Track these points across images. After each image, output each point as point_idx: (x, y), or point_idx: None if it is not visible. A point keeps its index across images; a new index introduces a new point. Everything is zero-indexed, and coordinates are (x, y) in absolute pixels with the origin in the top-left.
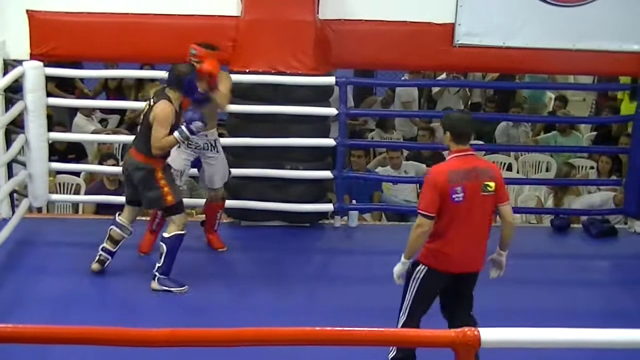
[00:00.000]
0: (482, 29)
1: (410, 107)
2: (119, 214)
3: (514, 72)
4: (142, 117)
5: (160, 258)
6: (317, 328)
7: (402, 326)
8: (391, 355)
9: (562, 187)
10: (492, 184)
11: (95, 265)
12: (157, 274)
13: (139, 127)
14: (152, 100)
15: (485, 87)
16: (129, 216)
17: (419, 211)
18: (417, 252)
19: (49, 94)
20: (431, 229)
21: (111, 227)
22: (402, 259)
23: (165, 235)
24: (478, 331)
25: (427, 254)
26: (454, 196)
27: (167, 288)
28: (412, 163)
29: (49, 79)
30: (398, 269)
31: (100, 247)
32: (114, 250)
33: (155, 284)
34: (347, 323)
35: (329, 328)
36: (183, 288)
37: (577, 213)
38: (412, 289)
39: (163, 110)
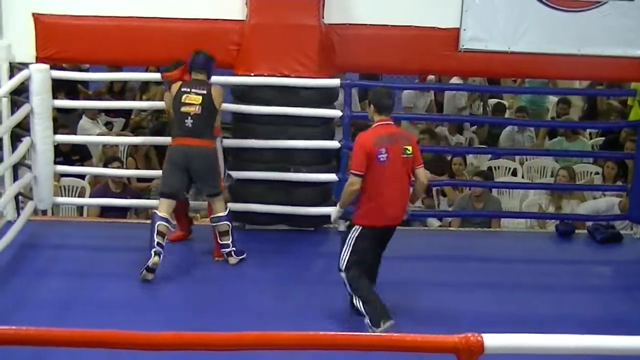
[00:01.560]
0: (487, 33)
1: (411, 113)
2: (157, 211)
3: (518, 77)
4: (197, 107)
5: (227, 235)
6: (319, 332)
7: (348, 279)
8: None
9: (561, 193)
10: (410, 147)
11: (155, 259)
12: (232, 250)
13: (193, 117)
14: (194, 89)
15: (489, 91)
16: (169, 209)
17: (351, 171)
18: (348, 206)
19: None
20: (360, 186)
21: (158, 223)
22: (337, 207)
23: (222, 214)
24: (481, 337)
25: (359, 216)
26: (379, 156)
27: (242, 257)
28: None
29: (59, 86)
30: (334, 214)
31: (153, 244)
32: (164, 243)
33: (234, 259)
34: (350, 327)
35: (330, 332)
36: (244, 255)
37: (582, 219)
38: (348, 247)
39: (222, 94)
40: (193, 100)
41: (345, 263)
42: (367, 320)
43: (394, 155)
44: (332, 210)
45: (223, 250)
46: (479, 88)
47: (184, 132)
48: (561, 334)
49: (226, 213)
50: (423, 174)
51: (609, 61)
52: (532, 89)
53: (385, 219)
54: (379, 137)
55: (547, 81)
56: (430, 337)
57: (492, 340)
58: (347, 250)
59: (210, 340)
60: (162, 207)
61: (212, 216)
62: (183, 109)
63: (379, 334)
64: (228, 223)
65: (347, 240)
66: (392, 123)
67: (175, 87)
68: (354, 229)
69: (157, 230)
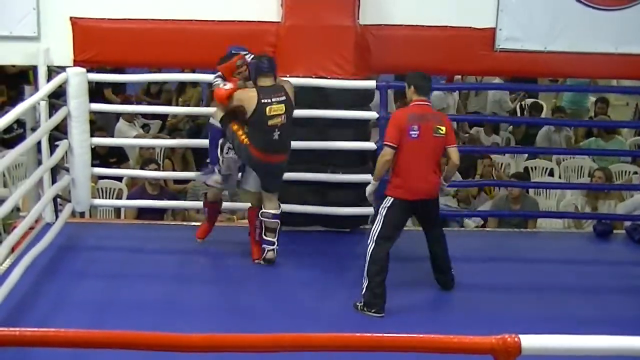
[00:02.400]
0: (523, 33)
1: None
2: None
3: (555, 77)
4: (283, 117)
5: (274, 233)
6: (355, 334)
7: (371, 253)
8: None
9: (597, 194)
10: (443, 127)
11: (270, 254)
12: (275, 248)
13: (281, 129)
14: (274, 98)
15: (528, 89)
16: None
17: (384, 143)
18: (382, 177)
19: (104, 99)
20: (393, 159)
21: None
22: (372, 181)
23: (275, 211)
24: (519, 338)
25: (390, 188)
26: (411, 132)
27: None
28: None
29: (104, 84)
30: (369, 188)
31: (266, 241)
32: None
33: (272, 254)
34: (386, 328)
35: (367, 334)
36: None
37: (620, 218)
38: (380, 217)
39: (293, 86)
40: (277, 110)
41: (376, 234)
42: (362, 298)
43: (426, 133)
44: (368, 187)
45: (265, 246)
46: (516, 87)
47: (272, 147)
48: (599, 335)
49: (279, 212)
50: (455, 154)
51: None
52: (568, 87)
53: (414, 193)
54: (412, 114)
55: (588, 81)
56: (467, 338)
57: (529, 341)
58: (378, 222)
59: (245, 342)
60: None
61: (262, 211)
62: (270, 122)
63: (418, 339)
64: (278, 222)
65: (379, 211)
66: (429, 104)
67: (247, 98)
68: (386, 199)
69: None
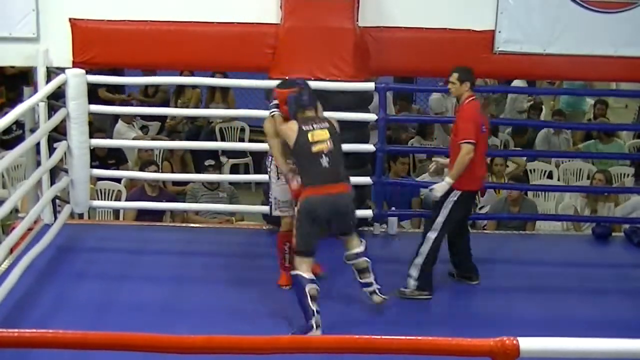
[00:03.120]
0: (522, 35)
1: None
2: (299, 272)
3: (554, 79)
4: (328, 141)
5: (369, 272)
6: (353, 336)
7: (434, 242)
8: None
9: (596, 196)
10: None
11: (376, 298)
12: (377, 288)
13: (328, 154)
14: (316, 125)
15: (526, 92)
16: (309, 267)
17: (467, 141)
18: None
19: (99, 99)
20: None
21: (308, 287)
22: (448, 179)
23: (359, 249)
24: (517, 340)
25: (462, 182)
26: (482, 127)
27: (386, 297)
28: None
29: (99, 84)
30: (443, 187)
31: (309, 313)
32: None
33: (378, 298)
34: (380, 331)
35: (364, 336)
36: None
37: (619, 221)
38: (445, 210)
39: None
40: (320, 136)
41: (440, 226)
42: (416, 282)
43: (486, 127)
44: (440, 186)
45: (365, 289)
46: (517, 90)
47: (322, 177)
48: (597, 337)
49: (363, 249)
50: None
51: None
52: (569, 90)
53: (479, 183)
54: (479, 109)
55: (585, 83)
56: (465, 340)
57: (528, 344)
58: (443, 215)
59: (245, 343)
60: (304, 267)
61: (347, 253)
62: (314, 148)
63: (416, 341)
64: (367, 260)
65: (445, 204)
66: None
67: (286, 128)
68: (452, 193)
69: (310, 296)
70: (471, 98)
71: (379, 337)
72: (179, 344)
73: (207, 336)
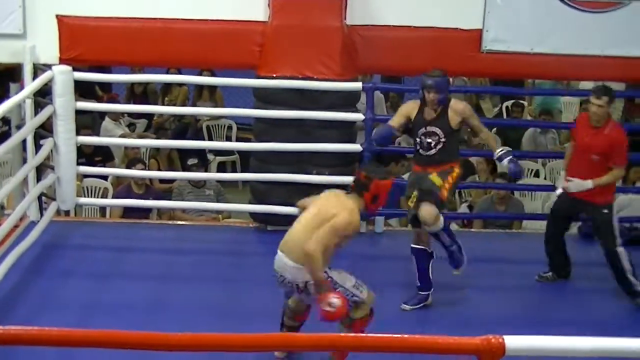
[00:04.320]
0: (509, 35)
1: None
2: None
3: (541, 78)
4: None
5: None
6: (339, 334)
7: (626, 254)
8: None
9: None
10: None
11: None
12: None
13: None
14: None
15: (503, 93)
16: None
17: (624, 164)
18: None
19: (95, 96)
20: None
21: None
22: (591, 183)
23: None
24: (503, 338)
25: (611, 196)
26: None
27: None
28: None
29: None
30: (581, 185)
31: (430, 284)
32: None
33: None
34: (373, 327)
35: (350, 335)
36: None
37: None
38: (616, 225)
39: None
40: None
41: (618, 239)
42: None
43: None
44: (583, 184)
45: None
46: (497, 90)
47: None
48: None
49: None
50: None
51: (633, 62)
52: (549, 90)
53: None
54: None
55: (556, 83)
56: (452, 339)
57: (514, 342)
58: (616, 229)
59: (232, 341)
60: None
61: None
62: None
63: (402, 339)
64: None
65: (612, 221)
66: None
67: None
68: (609, 208)
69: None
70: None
71: (365, 335)
72: (166, 342)
73: (195, 334)
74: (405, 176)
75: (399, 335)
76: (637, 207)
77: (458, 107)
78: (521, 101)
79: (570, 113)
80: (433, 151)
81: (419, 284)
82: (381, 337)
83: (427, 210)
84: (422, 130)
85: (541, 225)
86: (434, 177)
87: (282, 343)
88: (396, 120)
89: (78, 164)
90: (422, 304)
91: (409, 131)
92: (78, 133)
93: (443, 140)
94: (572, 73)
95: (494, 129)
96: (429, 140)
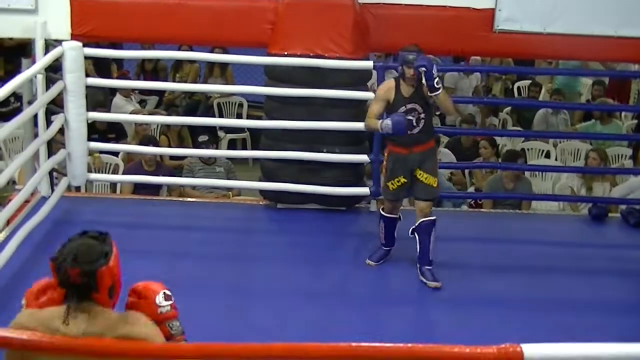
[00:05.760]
0: (522, 14)
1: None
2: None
3: (554, 59)
4: None
5: None
6: (351, 344)
7: None
8: None
9: (592, 175)
10: None
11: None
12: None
13: None
14: None
15: (523, 72)
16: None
17: None
18: None
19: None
20: None
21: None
22: None
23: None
24: (520, 347)
25: None
26: None
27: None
28: (446, 151)
29: (86, 57)
30: None
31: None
32: None
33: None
34: (379, 307)
35: (363, 344)
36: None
37: (615, 202)
38: None
39: None
40: None
41: None
42: None
43: None
44: None
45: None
46: (510, 70)
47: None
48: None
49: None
50: None
51: None
52: (565, 70)
53: None
54: None
55: (580, 64)
56: (469, 348)
57: (532, 351)
58: None
59: (236, 350)
60: None
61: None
62: None
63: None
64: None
65: None
66: None
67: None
68: None
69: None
70: None
71: (379, 345)
72: (170, 352)
73: (198, 343)
74: None
75: (413, 345)
76: None
77: None
78: (538, 82)
79: (584, 94)
80: (417, 129)
81: (383, 242)
82: (394, 347)
83: (427, 205)
84: (403, 108)
85: (552, 206)
86: (428, 179)
87: (287, 353)
88: (377, 107)
89: (91, 140)
90: (383, 260)
91: (389, 112)
92: (94, 111)
93: (423, 116)
94: (584, 54)
95: (508, 108)
96: (410, 117)
